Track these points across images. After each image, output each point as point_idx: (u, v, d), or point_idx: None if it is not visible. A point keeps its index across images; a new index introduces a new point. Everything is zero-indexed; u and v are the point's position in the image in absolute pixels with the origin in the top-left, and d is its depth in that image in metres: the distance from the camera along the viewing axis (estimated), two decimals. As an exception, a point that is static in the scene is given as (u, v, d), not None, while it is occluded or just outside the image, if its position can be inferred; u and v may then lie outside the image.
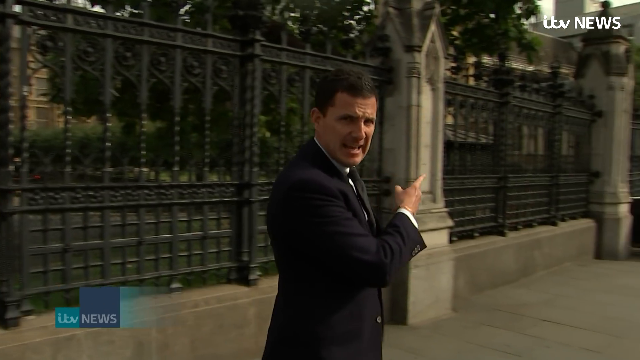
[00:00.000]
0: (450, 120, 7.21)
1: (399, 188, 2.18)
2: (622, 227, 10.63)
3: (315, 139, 2.03)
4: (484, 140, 8.03)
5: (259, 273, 5.00)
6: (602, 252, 10.48)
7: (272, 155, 7.90)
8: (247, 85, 4.93)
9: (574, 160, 10.46)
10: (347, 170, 2.04)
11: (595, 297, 7.57)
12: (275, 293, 2.11)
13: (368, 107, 1.93)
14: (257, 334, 4.75)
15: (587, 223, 10.39)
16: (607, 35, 10.66)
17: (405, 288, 6.05)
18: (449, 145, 7.20)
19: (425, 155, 6.28)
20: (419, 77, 6.15)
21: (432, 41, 6.30)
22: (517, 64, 11.90)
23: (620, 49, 10.71)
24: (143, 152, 4.53)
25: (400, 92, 6.19)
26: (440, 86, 6.45)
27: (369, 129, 1.95)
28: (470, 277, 7.27)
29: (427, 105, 6.30)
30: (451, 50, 6.96)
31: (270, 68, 5.16)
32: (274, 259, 2.11)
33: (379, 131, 6.24)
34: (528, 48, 11.20)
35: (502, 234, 8.10)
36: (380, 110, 6.24)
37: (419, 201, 2.14)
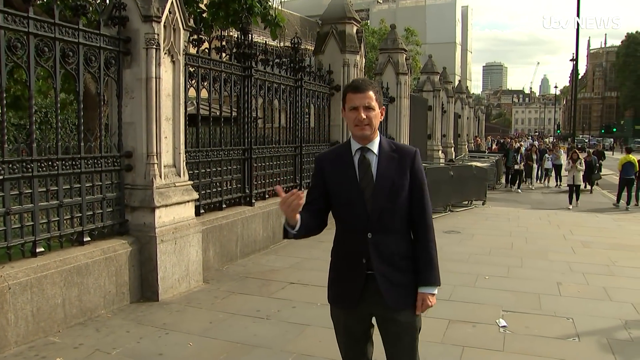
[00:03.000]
0: (194, 93, 7.18)
1: None
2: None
3: None
4: (229, 113, 8.14)
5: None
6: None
7: (9, 131, 7.14)
8: (-49, 49, 4.32)
9: (316, 131, 11.17)
10: (359, 145, 2.85)
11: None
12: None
13: (366, 99, 2.76)
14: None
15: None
16: (342, 16, 11.55)
17: (154, 264, 5.95)
18: (193, 119, 7.18)
19: (166, 128, 6.18)
20: (158, 49, 6.00)
21: (171, 12, 6.18)
22: (268, 40, 12.27)
23: (353, 29, 11.69)
24: None
25: (138, 63, 5.97)
26: (181, 58, 6.37)
27: (369, 113, 2.78)
28: (220, 248, 7.40)
29: (167, 78, 6.18)
30: (192, 23, 6.87)
31: (-16, 33, 4.58)
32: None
33: (118, 104, 5.98)
34: (273, 24, 11.54)
35: (250, 203, 8.36)
36: (118, 83, 5.97)
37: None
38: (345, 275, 2.88)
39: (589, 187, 21.26)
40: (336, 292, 2.92)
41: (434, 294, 2.84)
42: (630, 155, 17.26)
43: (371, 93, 2.78)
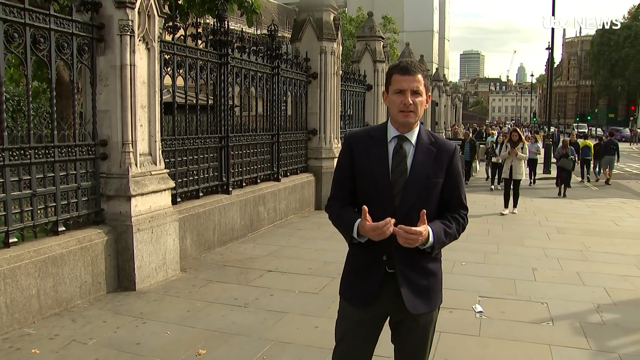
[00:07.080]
0: (169, 81, 7.10)
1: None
2: (338, 179, 11.68)
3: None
4: (206, 101, 8.06)
5: None
6: (321, 203, 11.45)
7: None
8: None
9: (293, 119, 11.15)
10: (396, 132, 2.59)
11: (316, 245, 8.23)
12: None
13: (414, 82, 2.51)
14: None
15: (307, 177, 11.24)
16: (319, 4, 11.51)
17: (130, 253, 5.90)
18: (169, 107, 7.10)
19: (142, 116, 6.10)
20: (132, 36, 5.90)
21: (146, -2, 6.09)
22: (244, 27, 12.16)
23: (330, 17, 11.65)
24: None
25: (112, 50, 5.87)
26: (156, 45, 6.28)
27: (416, 99, 2.52)
28: (197, 237, 7.36)
29: (142, 65, 6.10)
30: (167, 9, 6.77)
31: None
32: None
33: (92, 92, 5.89)
34: (249, 11, 11.44)
35: (227, 192, 8.32)
36: (92, 70, 5.88)
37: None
38: (362, 270, 2.65)
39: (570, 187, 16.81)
40: (349, 286, 2.72)
41: (424, 241, 2.46)
42: (587, 140, 20.90)
43: (420, 77, 2.53)
